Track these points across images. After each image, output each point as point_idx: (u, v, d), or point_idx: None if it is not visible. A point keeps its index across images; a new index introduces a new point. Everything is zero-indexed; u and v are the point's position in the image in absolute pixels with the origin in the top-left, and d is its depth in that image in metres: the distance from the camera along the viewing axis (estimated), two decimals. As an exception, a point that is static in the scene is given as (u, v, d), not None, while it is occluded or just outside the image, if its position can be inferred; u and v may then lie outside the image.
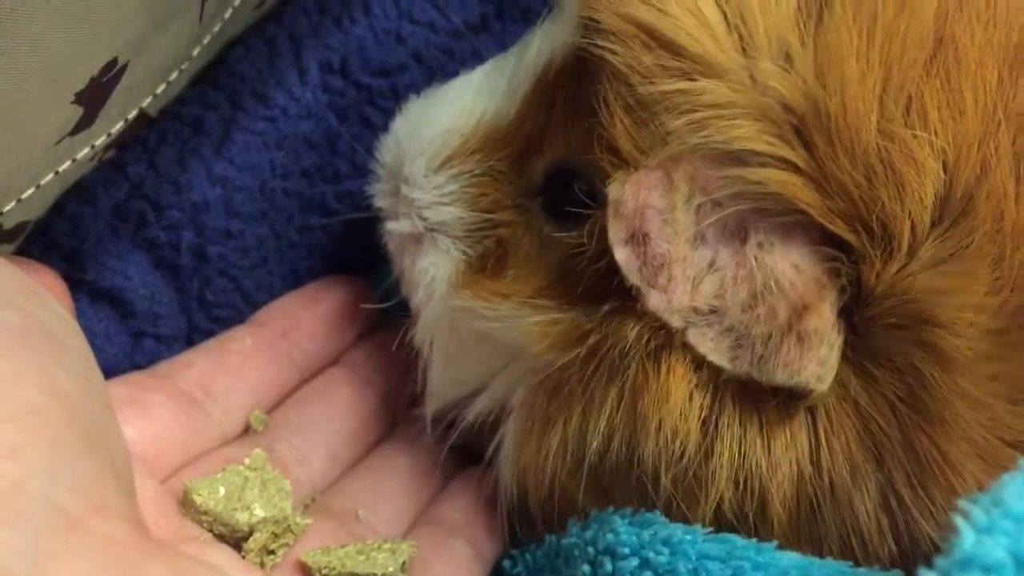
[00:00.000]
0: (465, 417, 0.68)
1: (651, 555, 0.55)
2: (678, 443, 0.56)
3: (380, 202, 0.70)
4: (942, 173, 0.52)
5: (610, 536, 0.57)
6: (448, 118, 0.66)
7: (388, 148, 0.70)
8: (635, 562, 0.56)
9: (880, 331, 0.54)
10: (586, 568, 0.58)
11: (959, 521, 0.42)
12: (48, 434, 0.47)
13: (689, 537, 0.56)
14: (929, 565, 0.42)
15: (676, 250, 0.55)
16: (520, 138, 0.64)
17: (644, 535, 0.57)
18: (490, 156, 0.65)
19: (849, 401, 0.55)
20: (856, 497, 0.55)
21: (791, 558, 0.55)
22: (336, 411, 0.72)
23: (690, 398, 0.56)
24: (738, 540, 0.56)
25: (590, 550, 0.58)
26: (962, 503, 0.43)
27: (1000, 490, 0.43)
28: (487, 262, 0.65)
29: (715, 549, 0.55)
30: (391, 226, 0.69)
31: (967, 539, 0.42)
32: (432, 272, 0.66)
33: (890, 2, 0.52)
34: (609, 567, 0.57)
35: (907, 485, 0.55)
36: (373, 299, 0.75)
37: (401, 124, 0.69)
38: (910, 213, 0.52)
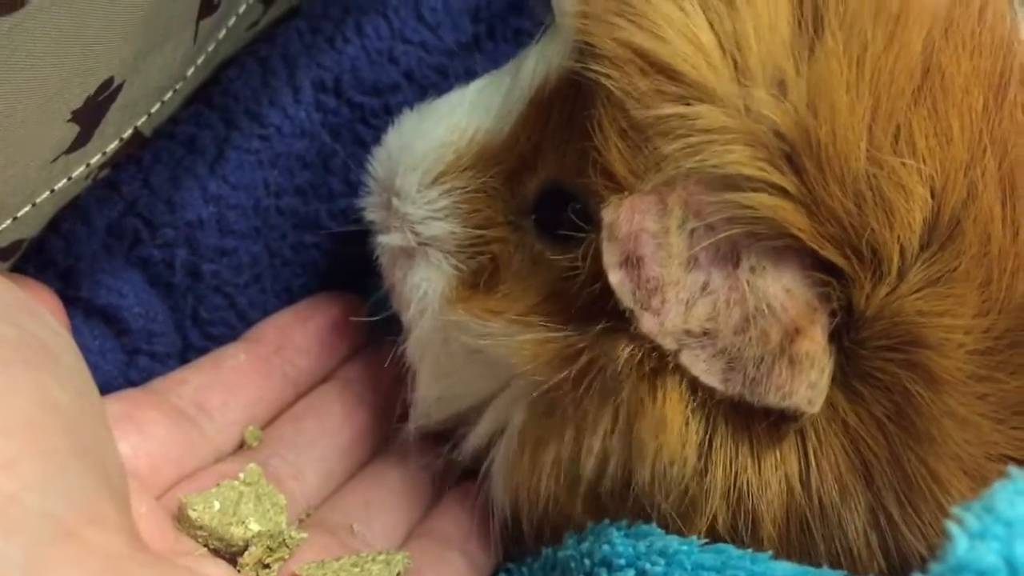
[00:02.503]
0: (459, 434, 0.69)
1: (647, 566, 0.56)
2: (676, 469, 0.57)
3: (371, 215, 0.70)
4: (930, 199, 0.53)
5: (606, 548, 0.58)
6: (441, 133, 0.67)
7: (380, 161, 0.70)
8: (631, 573, 0.56)
9: (870, 352, 0.54)
10: (582, 580, 0.58)
11: (952, 527, 0.43)
12: (43, 446, 0.47)
13: (685, 548, 0.56)
14: (924, 571, 0.43)
15: (669, 273, 0.55)
16: (513, 156, 0.64)
17: (640, 546, 0.57)
18: (483, 173, 0.65)
19: (838, 422, 0.56)
20: (846, 516, 0.56)
21: (786, 568, 0.55)
22: (330, 426, 0.72)
23: (686, 423, 0.57)
24: (733, 551, 0.56)
25: (586, 562, 0.58)
26: (955, 510, 0.44)
27: (992, 497, 0.44)
28: (480, 278, 0.65)
29: (711, 559, 0.55)
30: (383, 240, 0.69)
31: (960, 545, 0.42)
32: (424, 287, 0.66)
33: (880, 35, 0.53)
34: (605, 578, 0.57)
35: (896, 503, 0.55)
36: (365, 314, 0.75)
37: (393, 137, 0.70)
38: (899, 238, 0.53)
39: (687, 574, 0.55)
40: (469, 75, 0.78)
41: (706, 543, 0.57)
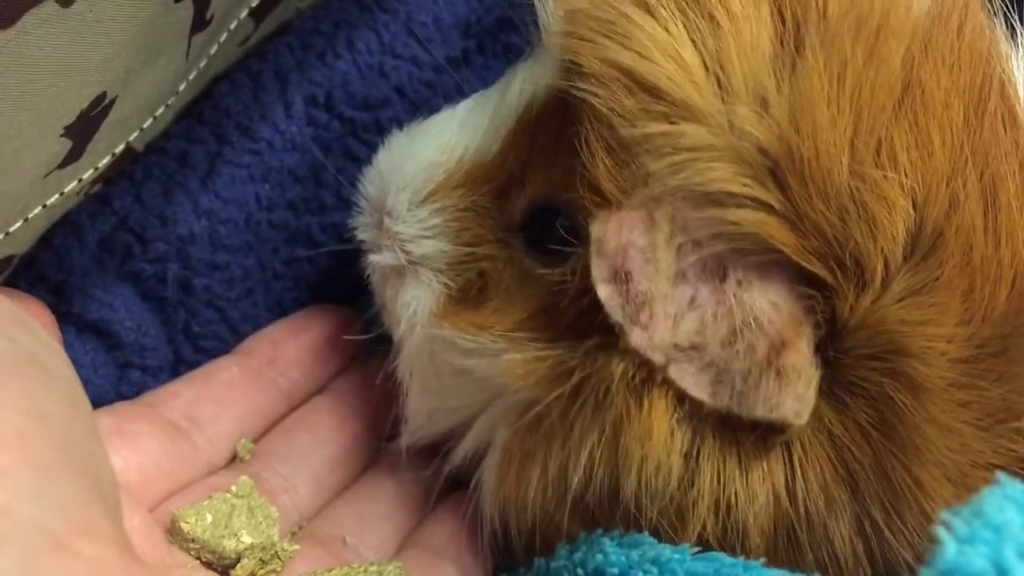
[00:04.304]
0: (449, 448, 0.69)
1: (640, 575, 0.56)
2: (661, 478, 0.57)
3: (363, 235, 0.71)
4: (912, 211, 0.54)
5: (599, 557, 0.58)
6: (431, 153, 0.67)
7: (371, 181, 0.70)
8: (624, 582, 0.56)
9: (854, 362, 0.55)
10: (575, 590, 0.58)
11: (941, 532, 0.43)
12: (34, 458, 0.47)
13: (677, 556, 0.56)
14: (913, 576, 0.43)
15: (657, 288, 0.56)
16: (502, 174, 0.65)
17: (633, 555, 0.57)
18: (473, 191, 0.66)
19: (823, 432, 0.56)
20: (832, 525, 0.57)
21: (778, 576, 0.56)
22: (322, 439, 0.72)
23: (672, 433, 0.57)
24: (726, 559, 0.56)
25: (579, 572, 0.59)
26: (943, 515, 0.44)
27: (980, 502, 0.44)
28: (468, 295, 0.65)
29: (703, 568, 0.55)
30: (374, 259, 0.69)
31: (949, 549, 0.42)
32: (414, 305, 0.67)
33: (860, 50, 0.54)
34: (598, 588, 0.57)
35: (881, 510, 0.56)
36: (357, 329, 0.75)
37: (384, 158, 0.70)
38: (882, 249, 0.53)
39: (680, 582, 0.55)
40: (459, 90, 0.78)
41: (698, 551, 0.57)
